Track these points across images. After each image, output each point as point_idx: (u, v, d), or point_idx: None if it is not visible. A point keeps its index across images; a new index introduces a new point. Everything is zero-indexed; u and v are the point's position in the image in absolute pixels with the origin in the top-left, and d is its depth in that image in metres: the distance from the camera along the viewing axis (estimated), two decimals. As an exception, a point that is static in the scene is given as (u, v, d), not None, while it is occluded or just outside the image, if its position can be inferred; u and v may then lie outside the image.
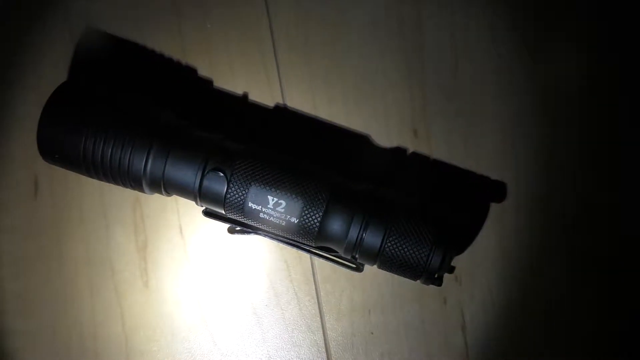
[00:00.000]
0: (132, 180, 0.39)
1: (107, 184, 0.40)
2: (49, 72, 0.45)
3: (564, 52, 0.45)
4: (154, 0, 0.45)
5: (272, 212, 0.38)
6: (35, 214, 0.45)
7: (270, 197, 0.38)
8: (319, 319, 0.45)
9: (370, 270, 0.42)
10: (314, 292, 0.45)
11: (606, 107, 0.45)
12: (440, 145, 0.45)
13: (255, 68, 0.45)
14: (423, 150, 0.45)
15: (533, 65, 0.45)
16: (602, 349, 0.45)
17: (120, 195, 0.45)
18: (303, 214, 0.37)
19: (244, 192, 0.38)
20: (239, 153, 0.38)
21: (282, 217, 0.38)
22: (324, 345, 0.45)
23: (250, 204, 0.38)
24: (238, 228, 0.42)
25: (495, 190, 0.44)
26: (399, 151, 0.45)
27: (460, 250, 0.44)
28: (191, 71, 0.45)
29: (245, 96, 0.45)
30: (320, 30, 0.45)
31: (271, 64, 0.45)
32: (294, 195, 0.37)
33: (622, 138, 0.45)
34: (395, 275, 0.39)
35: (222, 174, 0.38)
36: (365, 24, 0.45)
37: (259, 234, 0.41)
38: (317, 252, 0.41)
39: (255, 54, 0.45)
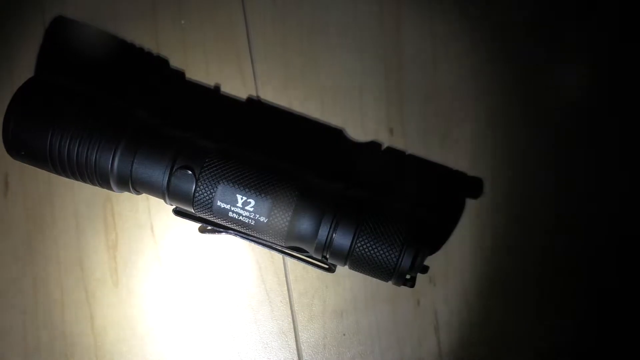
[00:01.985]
0: (100, 178, 0.38)
1: (78, 182, 0.39)
2: (20, 64, 0.44)
3: (543, 54, 0.44)
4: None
5: (241, 211, 0.37)
6: (5, 213, 0.45)
7: (239, 196, 0.37)
8: (290, 320, 0.44)
9: (343, 271, 0.41)
10: (286, 293, 0.44)
11: (584, 108, 0.44)
12: (416, 145, 0.44)
13: (230, 66, 0.44)
14: (398, 148, 0.44)
15: (512, 67, 0.44)
16: (577, 349, 0.44)
17: (91, 193, 0.44)
18: (272, 213, 0.37)
19: (212, 190, 0.37)
20: (208, 151, 0.38)
21: (252, 216, 0.37)
22: (295, 347, 0.44)
23: (218, 203, 0.37)
24: (209, 227, 0.42)
25: (471, 187, 0.44)
26: (373, 149, 0.44)
27: (433, 250, 0.43)
28: (164, 66, 0.45)
29: (219, 91, 0.45)
30: (298, 28, 0.44)
31: (246, 62, 0.44)
32: (262, 194, 0.37)
33: (601, 139, 0.44)
34: (368, 276, 0.39)
35: (190, 172, 0.37)
36: (343, 23, 0.44)
37: (230, 234, 0.40)
38: (288, 252, 0.41)
39: (230, 51, 0.44)
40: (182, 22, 0.45)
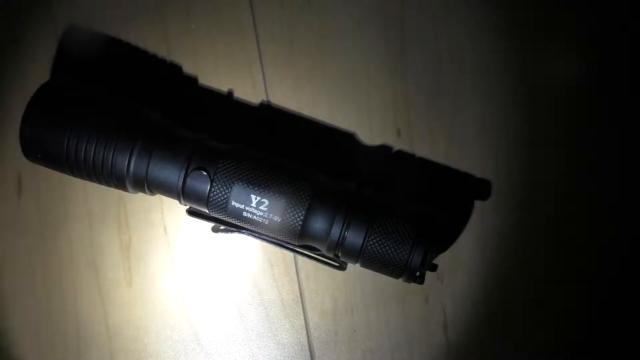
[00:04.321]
0: (116, 179, 0.39)
1: (91, 183, 0.40)
2: (33, 70, 0.45)
3: (547, 53, 0.45)
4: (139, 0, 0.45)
5: (255, 211, 0.38)
6: (19, 213, 0.45)
7: (253, 196, 0.38)
8: (302, 317, 0.45)
9: (353, 268, 0.42)
10: (297, 290, 0.45)
11: (589, 107, 0.45)
12: (423, 145, 0.45)
13: (239, 69, 0.45)
14: (406, 149, 0.45)
15: (516, 66, 0.45)
16: (582, 347, 0.45)
17: (105, 194, 0.45)
18: (286, 212, 0.38)
19: (227, 191, 0.38)
20: (222, 152, 0.38)
21: (265, 215, 0.38)
22: (307, 343, 0.45)
23: (233, 203, 0.38)
24: (222, 227, 0.42)
25: (478, 189, 0.45)
26: (382, 150, 0.45)
27: (442, 248, 0.44)
28: (176, 70, 0.45)
29: (229, 95, 0.45)
30: (305, 32, 0.45)
31: (256, 65, 0.45)
32: (276, 194, 0.38)
33: (605, 138, 0.45)
34: (378, 274, 0.39)
35: (205, 173, 0.38)
36: (349, 26, 0.45)
37: (243, 233, 0.41)
38: (300, 250, 0.41)
39: (239, 55, 0.45)
40: (193, 26, 0.45)
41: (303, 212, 0.38)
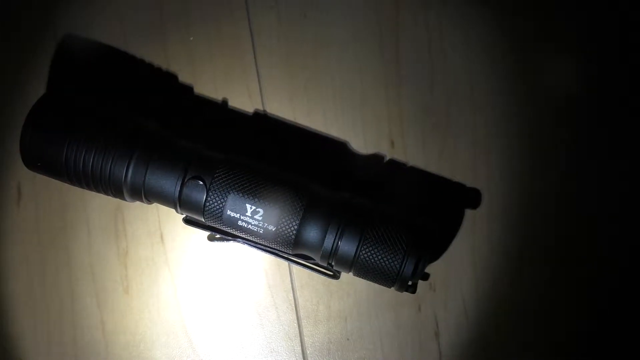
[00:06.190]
0: (113, 188, 0.39)
1: (90, 191, 0.40)
2: (33, 80, 0.46)
3: (541, 64, 0.46)
4: (139, 11, 0.46)
5: (250, 220, 0.38)
6: (18, 220, 0.46)
7: (248, 205, 0.38)
8: (296, 325, 0.46)
9: (347, 277, 0.43)
10: (292, 299, 0.46)
11: (583, 117, 0.46)
12: (416, 156, 0.46)
13: (236, 80, 0.46)
14: (399, 159, 0.46)
15: (509, 78, 0.46)
16: (576, 355, 0.46)
17: (102, 202, 0.45)
18: (280, 222, 0.38)
19: (222, 200, 0.38)
20: (218, 162, 0.39)
21: (260, 225, 0.38)
22: (301, 351, 0.46)
23: (228, 212, 0.38)
24: (217, 236, 0.43)
25: (469, 198, 0.45)
26: (375, 160, 0.46)
27: (434, 257, 0.45)
28: (173, 80, 0.46)
29: (226, 105, 0.46)
30: (301, 44, 0.46)
31: (252, 76, 0.46)
32: (271, 204, 0.38)
33: (598, 149, 0.45)
34: (372, 283, 0.40)
35: (201, 183, 0.38)
36: (344, 38, 0.46)
37: (238, 242, 0.41)
38: (294, 259, 0.42)
39: (237, 66, 0.46)
40: (191, 38, 0.46)
41: (297, 222, 0.38)
